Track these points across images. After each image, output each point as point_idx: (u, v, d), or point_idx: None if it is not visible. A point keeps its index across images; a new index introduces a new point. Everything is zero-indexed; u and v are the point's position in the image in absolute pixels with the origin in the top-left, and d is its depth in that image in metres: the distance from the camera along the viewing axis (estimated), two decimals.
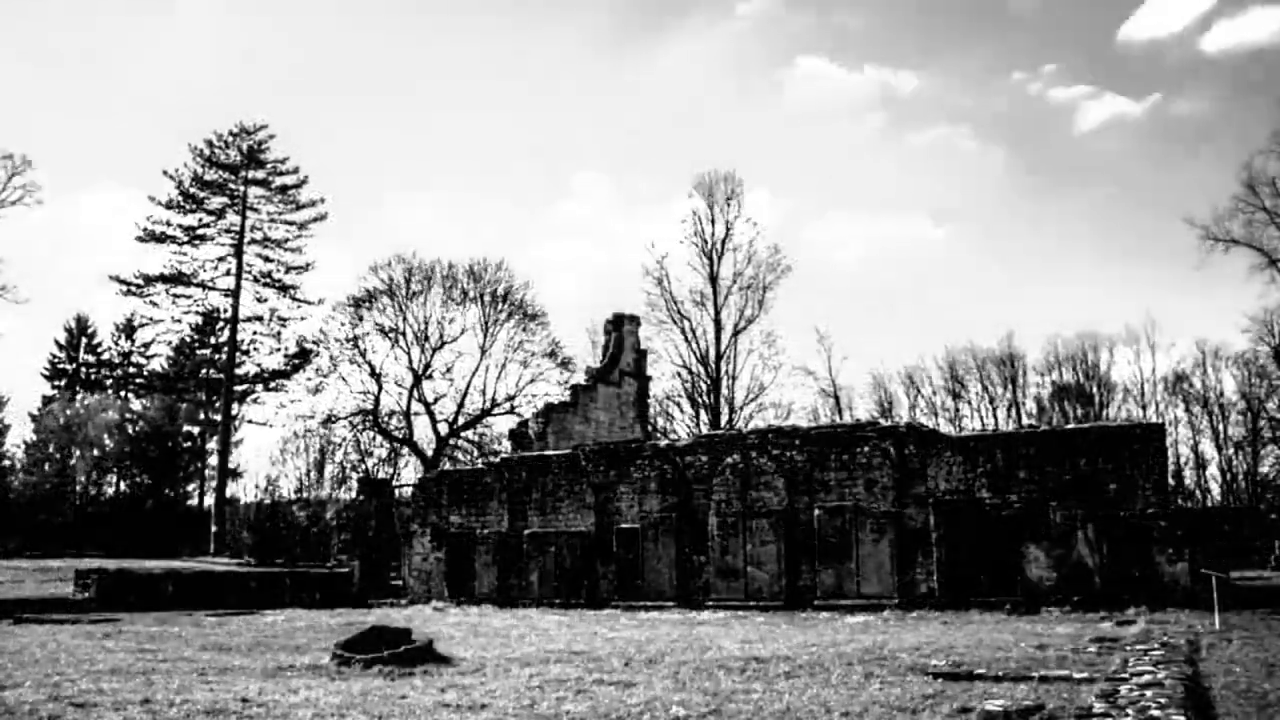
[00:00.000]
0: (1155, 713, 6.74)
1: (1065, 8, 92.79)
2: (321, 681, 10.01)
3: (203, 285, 54.94)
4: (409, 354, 50.49)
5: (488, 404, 50.93)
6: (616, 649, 12.99)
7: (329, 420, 50.75)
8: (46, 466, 56.30)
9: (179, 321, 56.38)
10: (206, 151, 54.81)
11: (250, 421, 59.64)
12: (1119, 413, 55.19)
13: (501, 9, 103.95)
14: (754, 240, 51.35)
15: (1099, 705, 7.11)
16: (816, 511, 22.70)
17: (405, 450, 52.68)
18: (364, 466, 51.96)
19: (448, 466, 45.67)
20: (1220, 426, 54.78)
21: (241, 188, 54.81)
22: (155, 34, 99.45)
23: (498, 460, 28.54)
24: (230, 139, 55.10)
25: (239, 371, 55.19)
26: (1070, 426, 23.14)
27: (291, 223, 55.51)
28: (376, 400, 50.48)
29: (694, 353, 51.64)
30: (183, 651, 13.16)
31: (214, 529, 49.50)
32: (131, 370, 63.82)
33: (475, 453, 51.30)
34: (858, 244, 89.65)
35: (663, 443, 26.45)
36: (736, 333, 51.44)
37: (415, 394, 50.73)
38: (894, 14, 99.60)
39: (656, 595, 23.76)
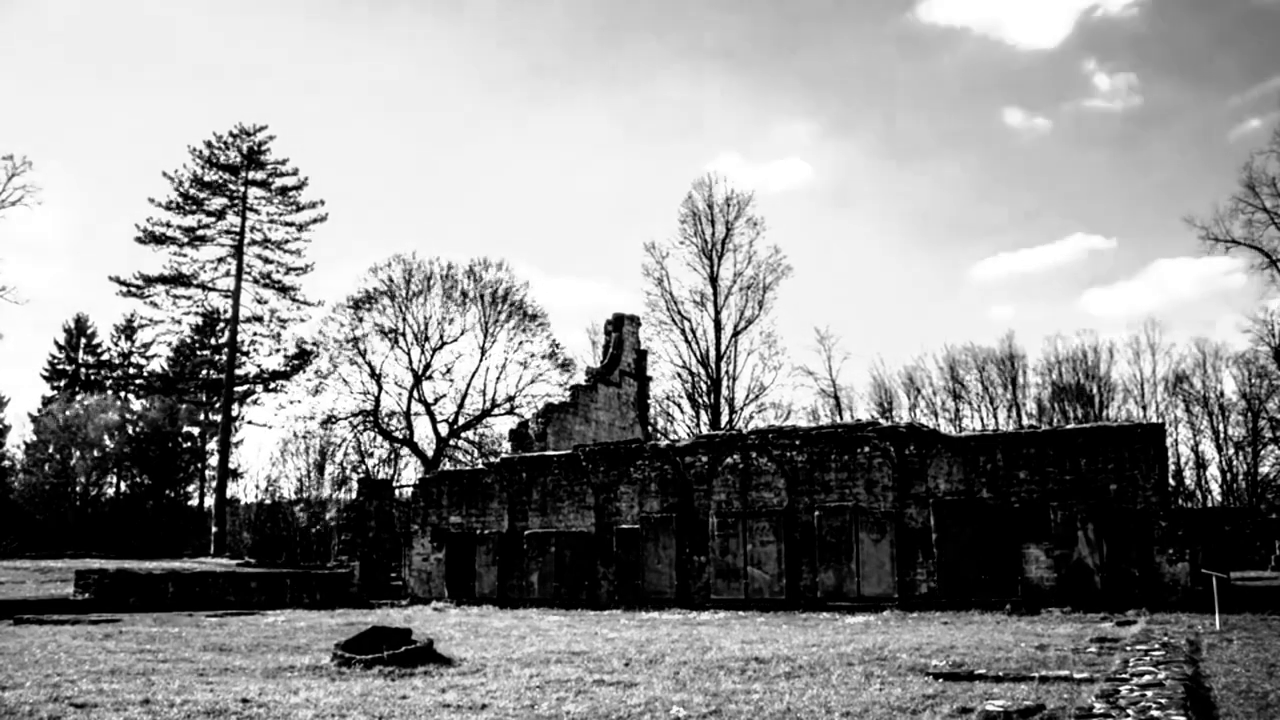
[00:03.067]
0: (1156, 713, 6.74)
1: None
2: (322, 682, 10.01)
3: (203, 286, 54.95)
4: (409, 354, 50.56)
5: (488, 404, 50.96)
6: (617, 649, 12.99)
7: (329, 421, 50.78)
8: (46, 467, 56.31)
9: (179, 322, 56.44)
10: (206, 153, 54.82)
11: (250, 422, 59.81)
12: (1119, 413, 55.18)
13: (500, 5, 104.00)
14: (754, 240, 51.47)
15: (1099, 705, 7.11)
16: (817, 512, 22.70)
17: (405, 451, 52.71)
18: (364, 467, 51.96)
19: (448, 467, 45.67)
20: (1220, 427, 54.80)
21: (241, 189, 54.80)
22: (155, 34, 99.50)
23: (498, 460, 28.53)
24: (230, 140, 55.12)
25: (239, 372, 55.19)
26: (1070, 426, 23.13)
27: (291, 224, 55.54)
28: (377, 401, 50.53)
29: (694, 353, 51.69)
30: (183, 652, 13.15)
31: (214, 529, 49.50)
32: (131, 371, 63.88)
33: (475, 453, 51.30)
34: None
35: (663, 443, 26.44)
36: (736, 333, 51.50)
37: (415, 394, 50.78)
38: None
39: (657, 596, 23.75)
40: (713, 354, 51.45)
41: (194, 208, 54.58)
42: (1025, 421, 55.12)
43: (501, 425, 51.03)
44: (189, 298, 55.20)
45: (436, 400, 51.20)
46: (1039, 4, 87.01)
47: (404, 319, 50.37)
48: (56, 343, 64.45)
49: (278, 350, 56.13)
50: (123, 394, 62.05)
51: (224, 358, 55.44)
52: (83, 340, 64.61)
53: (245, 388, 57.30)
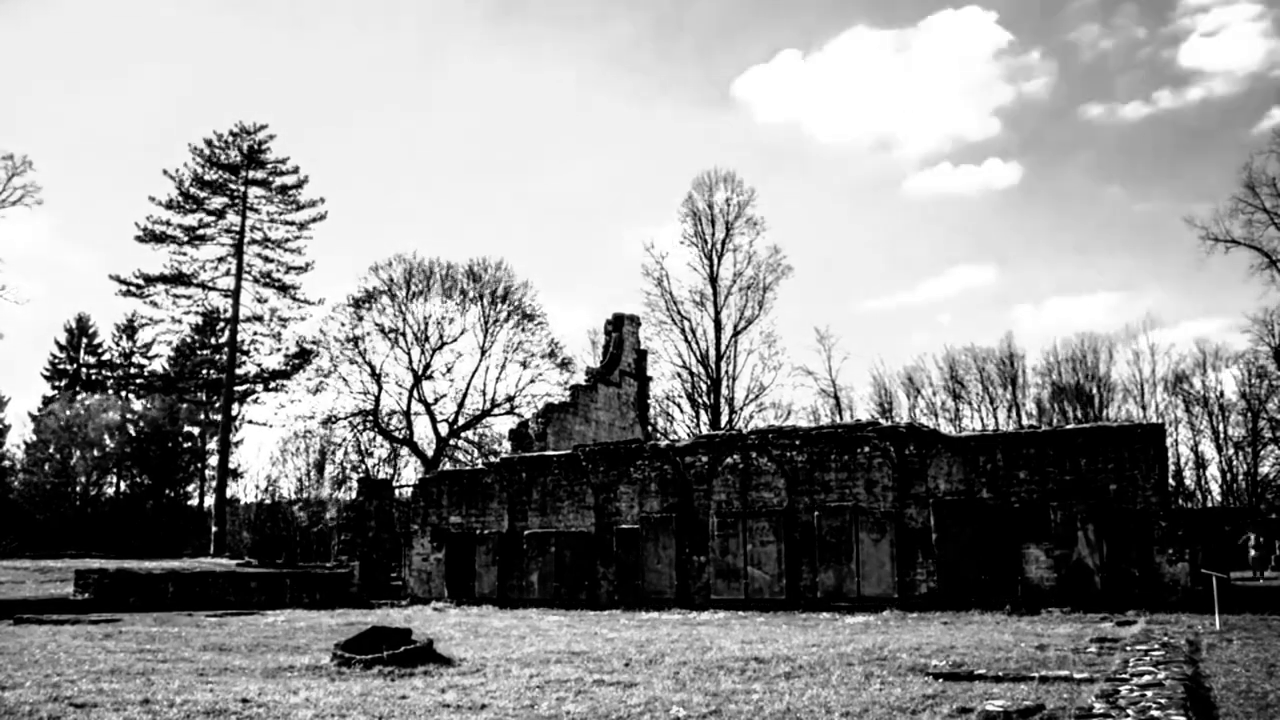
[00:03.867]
0: (1156, 713, 6.74)
1: None
2: (322, 682, 10.01)
3: (203, 285, 54.95)
4: (409, 354, 50.55)
5: (488, 404, 50.96)
6: (617, 649, 12.99)
7: (329, 420, 50.77)
8: (47, 467, 56.29)
9: (179, 322, 56.44)
10: (207, 151, 54.81)
11: (250, 422, 59.79)
12: (1119, 413, 55.13)
13: (499, 8, 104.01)
14: (754, 240, 51.49)
15: (1099, 705, 7.11)
16: (816, 512, 22.69)
17: (405, 450, 52.70)
18: (364, 467, 51.95)
19: (448, 466, 45.66)
20: (1220, 427, 54.76)
21: (242, 188, 54.79)
22: (155, 34, 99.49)
23: (498, 460, 28.52)
24: (230, 139, 55.11)
25: (239, 371, 55.18)
26: (1070, 427, 23.13)
27: (291, 223, 55.54)
28: (377, 400, 50.52)
29: (694, 353, 51.70)
30: (183, 652, 13.15)
31: (214, 529, 49.48)
32: (132, 370, 63.87)
33: (475, 453, 51.30)
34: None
35: (663, 443, 26.43)
36: (736, 333, 51.52)
37: (415, 394, 50.77)
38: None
39: (657, 596, 23.75)
40: (713, 354, 51.48)
41: (194, 206, 54.59)
42: (1025, 421, 55.08)
43: (501, 425, 51.09)
44: (189, 297, 55.23)
45: (436, 400, 51.24)
46: (919, 126, 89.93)
47: (404, 318, 50.40)
48: (57, 342, 64.48)
49: (278, 349, 56.18)
50: (123, 393, 62.04)
51: (224, 357, 55.43)
52: (84, 340, 64.60)
53: (245, 387, 57.28)
